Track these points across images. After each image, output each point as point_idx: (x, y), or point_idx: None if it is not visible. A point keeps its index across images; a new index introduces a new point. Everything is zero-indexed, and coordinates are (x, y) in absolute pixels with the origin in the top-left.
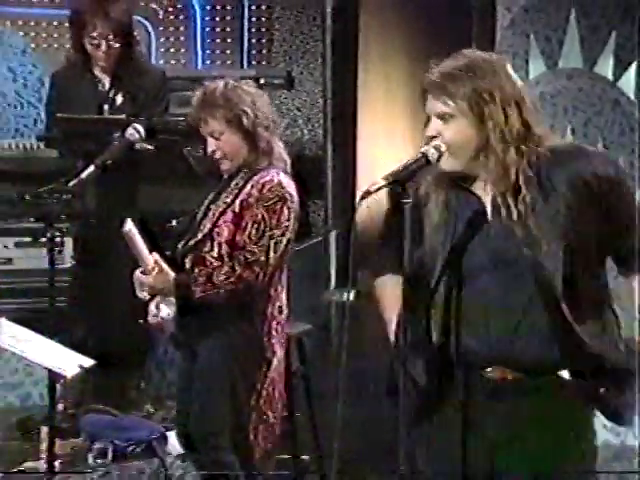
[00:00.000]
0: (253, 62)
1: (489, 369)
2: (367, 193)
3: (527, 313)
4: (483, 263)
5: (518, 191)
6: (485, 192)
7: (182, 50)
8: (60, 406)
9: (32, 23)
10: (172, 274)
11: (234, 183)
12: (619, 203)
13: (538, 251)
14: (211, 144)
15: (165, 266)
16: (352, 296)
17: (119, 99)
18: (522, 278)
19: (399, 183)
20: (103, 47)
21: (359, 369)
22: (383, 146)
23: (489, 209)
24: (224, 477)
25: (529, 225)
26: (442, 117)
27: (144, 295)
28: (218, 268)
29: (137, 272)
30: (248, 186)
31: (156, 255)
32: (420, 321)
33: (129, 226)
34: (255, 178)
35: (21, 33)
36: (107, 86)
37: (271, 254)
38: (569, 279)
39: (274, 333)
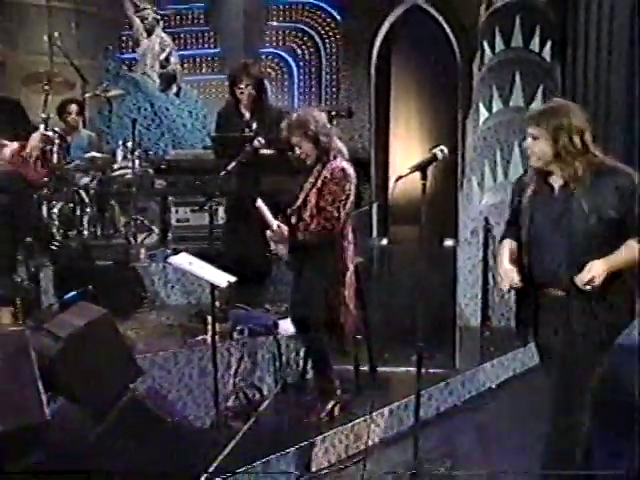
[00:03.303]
0: (328, 101)
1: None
2: (399, 177)
3: (570, 253)
4: (547, 220)
5: (576, 182)
6: (555, 181)
7: (286, 96)
8: (217, 304)
9: (201, 84)
10: (286, 228)
11: (315, 170)
12: (630, 205)
13: (583, 216)
14: (296, 150)
15: (283, 225)
16: (386, 242)
17: (254, 125)
18: (569, 231)
19: (419, 170)
20: (246, 93)
21: (391, 283)
22: (405, 151)
23: (556, 191)
24: (316, 348)
25: (580, 202)
26: (533, 137)
27: (275, 246)
28: (311, 222)
29: (268, 233)
30: (324, 171)
31: (277, 221)
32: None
33: (259, 203)
34: (327, 166)
35: (195, 91)
36: (247, 117)
37: (341, 211)
38: (597, 235)
39: (348, 255)
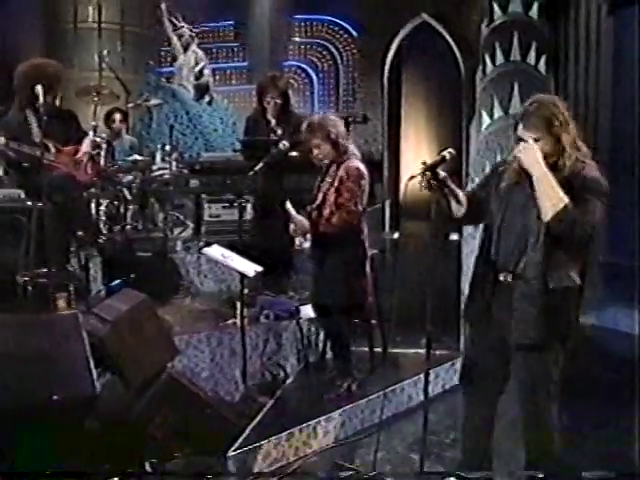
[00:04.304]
0: (344, 109)
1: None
2: (412, 177)
3: (521, 241)
4: (515, 207)
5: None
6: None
7: (307, 103)
8: (245, 291)
9: (231, 94)
10: (307, 221)
11: (332, 170)
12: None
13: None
14: (315, 151)
15: (304, 219)
16: (397, 235)
17: (279, 131)
18: (526, 220)
19: (429, 170)
20: (272, 103)
21: (402, 273)
22: (415, 153)
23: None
24: (336, 331)
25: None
26: (534, 140)
27: (298, 237)
28: (332, 215)
29: (291, 227)
30: (340, 171)
31: (299, 216)
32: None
33: (288, 205)
34: (344, 165)
35: (225, 100)
36: (273, 124)
37: (358, 206)
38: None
39: (364, 247)
